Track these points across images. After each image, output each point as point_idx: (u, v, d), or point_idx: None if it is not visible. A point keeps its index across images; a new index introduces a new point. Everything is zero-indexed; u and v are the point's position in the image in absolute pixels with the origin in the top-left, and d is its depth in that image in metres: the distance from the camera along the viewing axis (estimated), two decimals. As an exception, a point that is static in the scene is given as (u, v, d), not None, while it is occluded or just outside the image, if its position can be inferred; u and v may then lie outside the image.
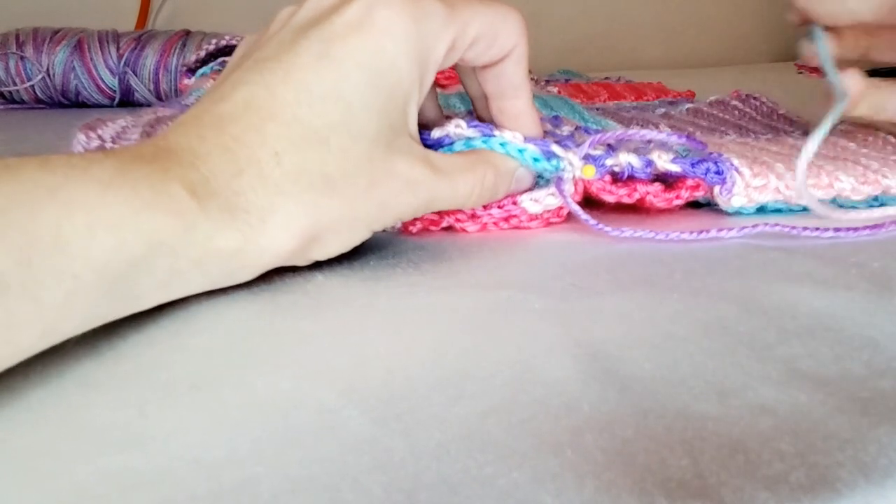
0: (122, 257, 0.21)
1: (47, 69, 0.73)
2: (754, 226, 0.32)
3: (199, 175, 0.23)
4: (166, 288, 0.23)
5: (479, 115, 0.34)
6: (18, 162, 0.20)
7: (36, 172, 0.20)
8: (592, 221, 0.32)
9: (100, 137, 0.31)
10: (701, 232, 0.32)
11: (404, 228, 0.33)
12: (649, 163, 0.34)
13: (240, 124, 0.25)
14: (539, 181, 0.34)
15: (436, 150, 0.32)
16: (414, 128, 0.29)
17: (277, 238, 0.25)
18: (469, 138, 0.31)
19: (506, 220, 0.33)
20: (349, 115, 0.26)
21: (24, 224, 0.19)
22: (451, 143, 0.32)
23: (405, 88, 0.27)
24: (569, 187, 0.33)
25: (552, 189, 0.33)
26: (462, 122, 0.32)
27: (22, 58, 0.72)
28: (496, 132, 0.32)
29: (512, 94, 0.32)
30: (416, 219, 0.33)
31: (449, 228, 0.33)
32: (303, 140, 0.25)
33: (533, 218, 0.33)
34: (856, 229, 0.32)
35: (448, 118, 0.32)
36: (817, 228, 0.32)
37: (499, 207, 0.33)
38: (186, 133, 0.25)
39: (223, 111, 0.25)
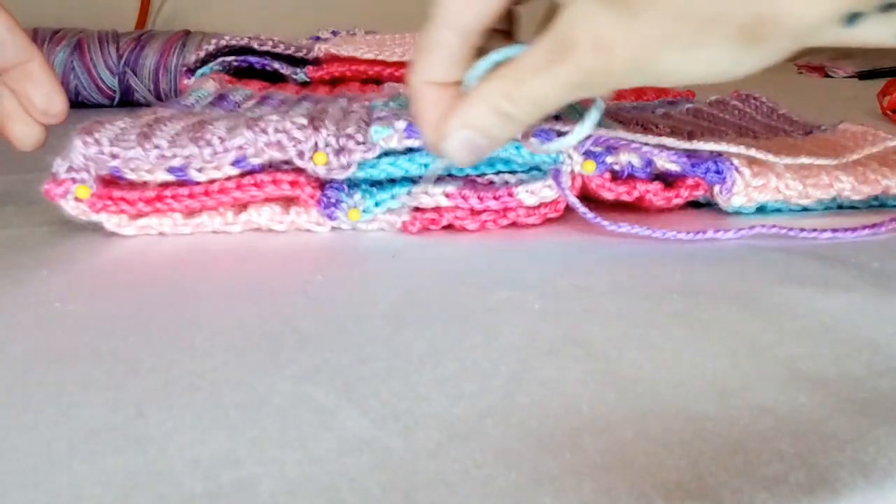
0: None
1: (47, 69, 0.73)
2: (752, 227, 0.32)
3: None
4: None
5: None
6: None
7: None
8: (590, 214, 0.32)
9: (97, 142, 0.31)
10: (698, 232, 0.32)
11: (404, 228, 0.33)
12: (649, 162, 0.34)
13: None
14: (536, 173, 0.34)
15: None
16: None
17: None
18: None
19: (503, 214, 0.33)
20: None
21: None
22: None
23: None
24: (566, 180, 0.33)
25: (549, 181, 0.33)
26: None
27: (22, 58, 0.72)
28: None
29: (23, 70, 0.31)
30: (415, 218, 0.33)
31: (449, 227, 0.33)
32: None
33: (530, 213, 0.33)
34: (854, 229, 0.32)
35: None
36: (815, 229, 0.32)
37: (495, 199, 0.33)
38: None
39: None
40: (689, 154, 0.34)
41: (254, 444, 0.18)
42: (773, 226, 0.32)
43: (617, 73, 0.26)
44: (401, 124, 0.32)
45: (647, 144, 0.33)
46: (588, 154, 0.33)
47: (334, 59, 0.54)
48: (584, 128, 0.29)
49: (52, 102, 0.33)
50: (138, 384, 0.21)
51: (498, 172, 0.34)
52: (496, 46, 0.28)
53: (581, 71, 0.26)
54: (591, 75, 0.26)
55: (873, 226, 0.32)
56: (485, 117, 0.28)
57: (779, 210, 0.35)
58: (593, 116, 0.29)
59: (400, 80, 0.54)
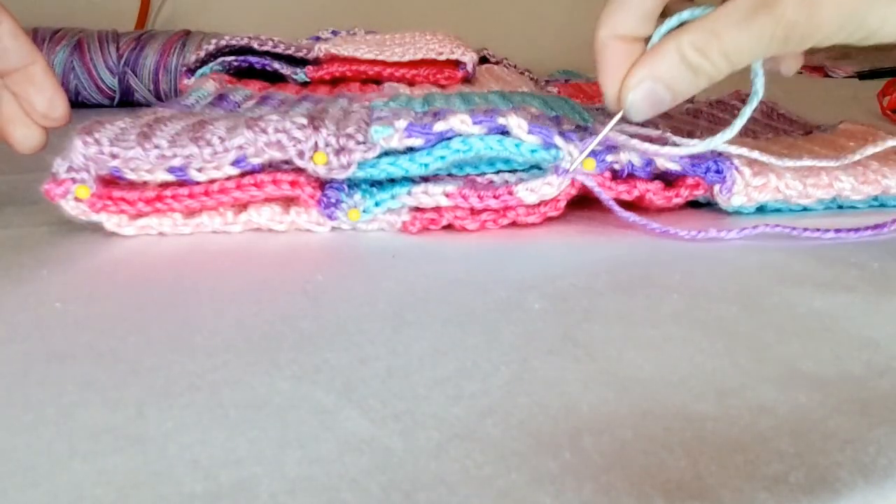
0: None
1: (47, 69, 0.73)
2: (754, 227, 0.32)
3: None
4: None
5: None
6: None
7: None
8: (604, 196, 0.32)
9: (97, 142, 0.31)
10: (699, 232, 0.32)
11: (404, 228, 0.33)
12: (649, 161, 0.34)
13: None
14: (536, 171, 0.34)
15: (436, 143, 0.32)
16: None
17: None
18: (478, 135, 0.32)
19: (503, 213, 0.33)
20: None
21: None
22: (452, 138, 0.32)
23: None
24: (577, 168, 0.33)
25: (549, 178, 0.33)
26: (467, 118, 0.32)
27: (22, 58, 0.72)
28: (503, 120, 0.32)
29: (25, 73, 0.31)
30: (415, 218, 0.33)
31: (449, 227, 0.33)
32: None
33: (531, 211, 0.33)
34: (857, 230, 0.32)
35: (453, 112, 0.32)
36: (818, 229, 0.32)
37: (495, 198, 0.33)
38: None
39: None
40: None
41: (254, 444, 0.18)
42: (777, 225, 0.32)
43: (823, 28, 0.26)
44: (401, 123, 0.32)
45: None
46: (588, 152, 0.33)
47: (334, 59, 0.54)
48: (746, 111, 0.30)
49: (54, 106, 0.33)
50: (138, 384, 0.21)
51: (498, 171, 0.34)
52: (680, 10, 0.29)
53: (784, 24, 0.26)
54: (794, 29, 0.26)
55: (876, 226, 0.32)
56: (673, 69, 0.28)
57: (779, 210, 0.35)
58: (758, 90, 0.30)
59: (400, 80, 0.54)
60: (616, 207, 0.32)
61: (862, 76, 0.90)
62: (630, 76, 0.29)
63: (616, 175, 0.34)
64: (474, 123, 0.32)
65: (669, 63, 0.28)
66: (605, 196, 0.32)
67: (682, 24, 0.29)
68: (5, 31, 0.29)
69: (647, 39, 0.29)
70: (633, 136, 0.33)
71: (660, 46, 0.29)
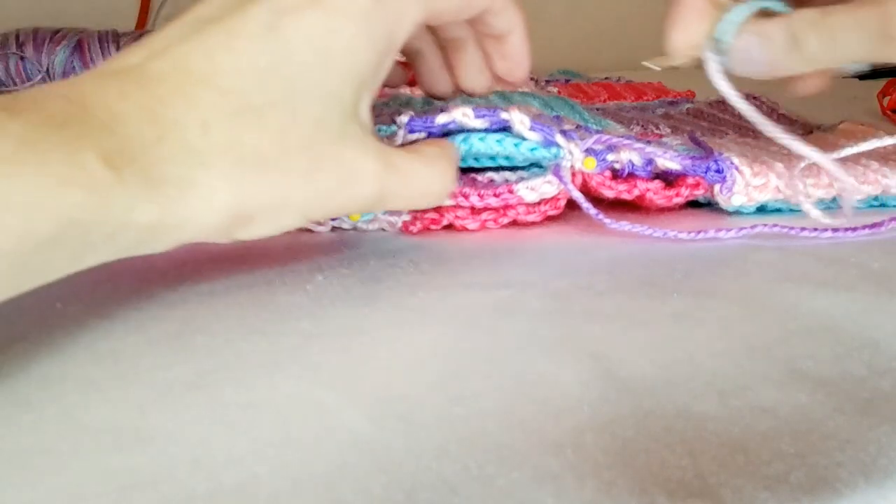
0: (29, 239, 0.19)
1: (47, 69, 0.73)
2: (752, 226, 0.32)
3: (116, 140, 0.21)
4: (74, 261, 0.21)
5: (451, 60, 0.34)
6: None
7: None
8: (593, 210, 0.32)
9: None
10: (699, 232, 0.32)
11: (405, 228, 0.33)
12: (650, 161, 0.34)
13: (167, 85, 0.22)
14: (536, 169, 0.34)
15: (438, 136, 0.32)
16: (365, 116, 0.27)
17: (199, 212, 0.22)
18: (472, 131, 0.32)
19: (503, 212, 0.33)
20: (292, 94, 0.24)
21: None
22: (455, 132, 0.32)
23: (360, 73, 0.25)
24: (567, 175, 0.33)
25: (549, 176, 0.33)
26: (469, 111, 0.32)
27: (22, 58, 0.72)
28: (506, 115, 0.32)
29: (498, 38, 0.31)
30: (415, 218, 0.33)
31: (449, 227, 0.33)
32: (237, 112, 0.23)
33: (531, 210, 0.33)
34: (854, 229, 0.32)
35: (455, 104, 0.32)
36: (815, 229, 0.32)
37: (495, 196, 0.33)
38: (105, 87, 0.22)
39: (151, 69, 0.23)
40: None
41: (254, 444, 0.18)
42: (775, 225, 0.32)
43: None
44: (403, 119, 0.32)
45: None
46: (589, 151, 0.33)
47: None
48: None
49: (511, 74, 0.33)
50: (138, 384, 0.21)
51: (498, 169, 0.34)
52: None
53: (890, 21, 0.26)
54: None
55: (873, 225, 0.32)
56: (777, 32, 0.29)
57: (779, 210, 0.35)
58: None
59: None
60: (606, 219, 0.32)
61: (862, 76, 0.90)
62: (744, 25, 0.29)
63: (616, 174, 0.34)
64: (476, 117, 0.32)
65: (779, 26, 0.29)
66: (594, 211, 0.32)
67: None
68: (494, 9, 0.29)
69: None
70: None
71: (770, 18, 0.29)
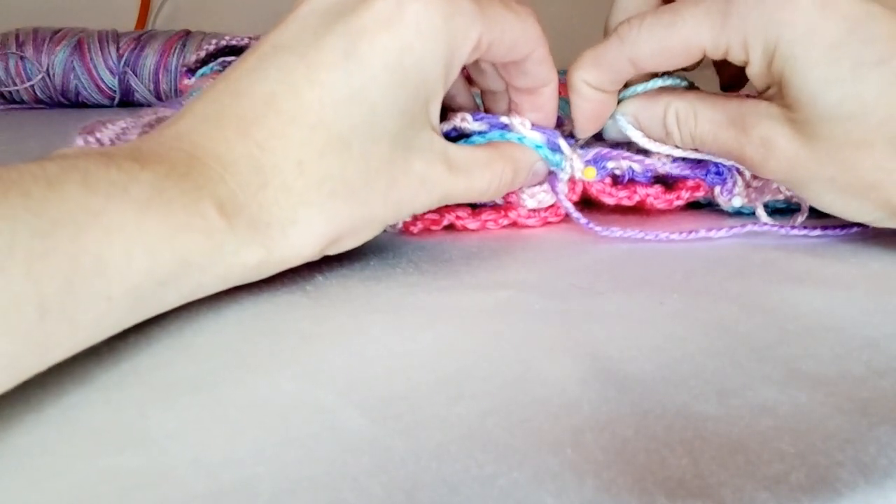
0: (153, 277, 0.21)
1: (47, 69, 0.73)
2: (743, 225, 0.32)
3: (228, 190, 0.23)
4: (184, 297, 0.23)
5: (487, 107, 0.34)
6: (60, 176, 0.20)
7: (79, 192, 0.20)
8: (583, 220, 0.32)
9: (98, 141, 0.31)
10: (690, 232, 0.32)
11: (405, 228, 0.33)
12: (650, 167, 0.34)
13: (264, 128, 0.24)
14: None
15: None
16: (436, 122, 0.28)
17: (299, 246, 0.25)
18: (481, 132, 0.32)
19: (503, 212, 0.33)
20: (373, 116, 0.25)
21: (67, 248, 0.19)
22: (459, 136, 0.32)
23: (430, 87, 0.27)
24: (562, 186, 0.33)
25: (546, 186, 0.33)
26: (468, 116, 0.32)
27: (22, 58, 0.72)
28: (506, 119, 0.32)
29: (531, 91, 0.32)
30: (416, 219, 0.33)
31: (450, 227, 0.33)
32: (326, 146, 0.25)
33: (531, 215, 0.33)
34: (844, 227, 0.32)
35: (454, 111, 0.32)
36: (805, 227, 0.32)
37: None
38: (211, 136, 0.24)
39: (245, 111, 0.25)
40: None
41: (254, 444, 0.18)
42: (766, 223, 0.32)
43: (769, 173, 0.30)
44: None
45: None
46: (589, 160, 0.33)
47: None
48: None
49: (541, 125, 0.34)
50: (139, 384, 0.21)
51: None
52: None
53: (748, 156, 0.30)
54: (752, 162, 0.30)
55: (863, 224, 0.32)
56: (654, 118, 0.32)
57: (779, 210, 0.35)
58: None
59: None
60: (596, 227, 0.32)
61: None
62: (621, 105, 0.33)
63: (616, 181, 0.34)
64: (475, 120, 0.32)
65: (653, 112, 0.32)
66: (584, 220, 0.32)
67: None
68: (536, 58, 0.30)
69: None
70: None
71: (653, 95, 0.32)
